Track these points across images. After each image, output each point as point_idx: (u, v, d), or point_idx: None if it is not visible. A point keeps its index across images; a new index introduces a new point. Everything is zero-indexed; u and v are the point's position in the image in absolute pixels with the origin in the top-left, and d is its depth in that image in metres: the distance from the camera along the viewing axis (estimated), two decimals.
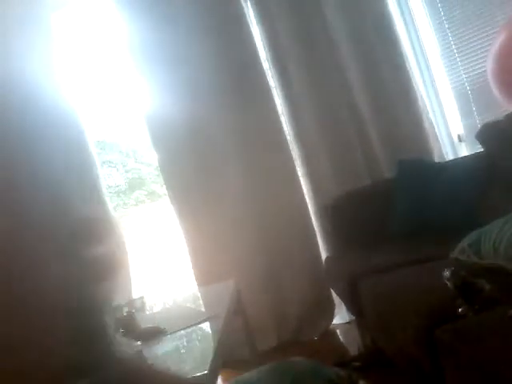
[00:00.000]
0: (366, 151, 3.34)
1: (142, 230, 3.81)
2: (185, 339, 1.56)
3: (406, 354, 1.77)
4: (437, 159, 3.32)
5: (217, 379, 1.32)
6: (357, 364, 2.65)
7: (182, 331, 1.62)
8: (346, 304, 2.86)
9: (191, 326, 1.68)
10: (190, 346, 1.53)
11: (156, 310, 2.23)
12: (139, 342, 1.44)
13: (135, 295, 3.14)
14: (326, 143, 3.32)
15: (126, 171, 4.03)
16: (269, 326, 3.25)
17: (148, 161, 3.79)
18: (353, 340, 3.10)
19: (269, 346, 3.19)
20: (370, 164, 3.34)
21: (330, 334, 3.33)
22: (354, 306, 2.42)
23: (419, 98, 3.38)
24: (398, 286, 1.97)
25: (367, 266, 2.39)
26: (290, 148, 3.36)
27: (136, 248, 3.52)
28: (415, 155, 3.21)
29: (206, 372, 1.23)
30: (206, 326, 1.67)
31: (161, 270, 3.79)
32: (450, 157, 3.48)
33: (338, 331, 3.36)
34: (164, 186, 3.30)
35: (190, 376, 1.23)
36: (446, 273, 1.54)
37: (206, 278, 3.15)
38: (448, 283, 1.51)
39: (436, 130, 3.46)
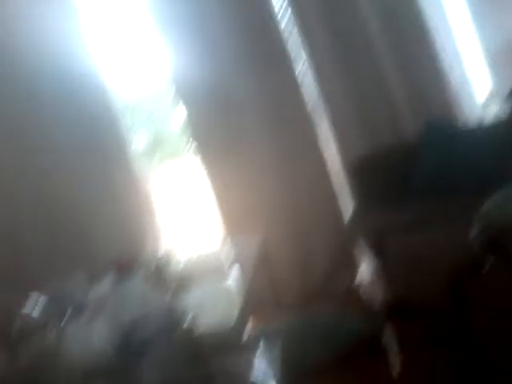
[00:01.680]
0: (391, 112, 3.30)
1: (167, 186, 3.84)
2: (213, 290, 1.60)
3: (432, 307, 1.80)
4: (464, 121, 3.26)
5: (244, 330, 1.36)
6: (381, 315, 2.69)
7: (211, 282, 1.66)
8: (371, 257, 2.88)
9: (219, 278, 1.72)
10: (219, 297, 1.56)
11: (184, 263, 2.28)
12: (168, 295, 1.48)
13: (164, 249, 3.22)
14: (352, 102, 3.29)
15: (149, 131, 4.05)
16: (294, 278, 3.31)
17: (171, 120, 3.79)
18: (376, 292, 3.14)
19: (293, 298, 3.24)
20: (395, 124, 3.31)
21: (354, 287, 3.37)
22: (380, 259, 2.44)
23: (447, 59, 3.31)
24: (425, 241, 1.98)
25: (394, 222, 2.39)
26: (315, 106, 3.35)
27: (164, 204, 3.57)
28: (442, 117, 3.16)
29: (233, 323, 1.26)
30: (234, 278, 1.71)
31: (189, 224, 3.85)
32: (477, 118, 3.41)
33: (362, 284, 3.39)
34: (189, 144, 3.34)
35: (217, 328, 1.26)
36: (473, 231, 1.54)
37: (232, 230, 3.20)
38: (475, 241, 1.52)
39: (464, 92, 3.39)
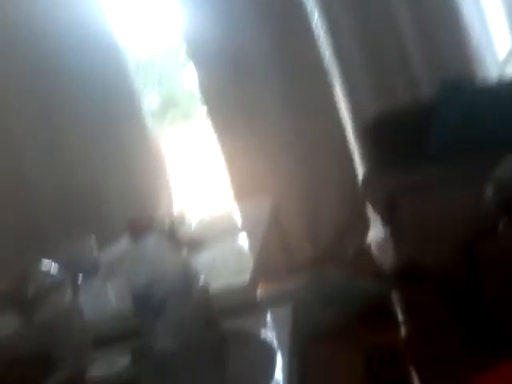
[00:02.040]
0: (406, 70, 3.23)
1: (179, 148, 3.83)
2: (225, 251, 1.61)
3: (444, 270, 1.79)
4: (481, 79, 3.19)
5: (257, 290, 1.36)
6: (391, 278, 2.70)
7: (223, 243, 1.66)
8: (383, 220, 2.88)
9: (231, 238, 1.72)
10: (231, 258, 1.57)
11: (196, 224, 2.28)
12: (182, 256, 1.49)
13: (176, 209, 3.23)
14: (366, 62, 3.23)
15: (161, 91, 4.02)
16: (304, 240, 3.32)
17: (183, 81, 3.75)
18: (387, 256, 3.14)
19: (304, 259, 3.26)
20: (410, 83, 3.24)
21: (364, 250, 3.38)
22: (392, 222, 2.44)
23: (467, 15, 3.21)
24: (439, 203, 1.97)
25: (407, 184, 2.37)
26: (329, 67, 3.30)
27: (176, 165, 3.56)
28: (459, 75, 3.08)
29: (246, 284, 1.27)
30: (246, 238, 1.71)
31: (200, 186, 3.85)
32: (494, 77, 3.33)
33: (372, 247, 3.40)
34: (201, 106, 3.31)
35: (230, 288, 1.27)
36: (488, 192, 1.52)
37: (243, 194, 3.20)
38: (489, 202, 1.50)
39: (484, 48, 3.30)
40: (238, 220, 2.27)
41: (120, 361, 1.01)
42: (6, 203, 3.01)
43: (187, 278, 0.84)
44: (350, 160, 3.36)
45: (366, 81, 3.24)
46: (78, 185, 3.12)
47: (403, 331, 2.25)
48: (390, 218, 2.42)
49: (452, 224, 1.73)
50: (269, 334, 1.06)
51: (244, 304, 1.24)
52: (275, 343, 1.01)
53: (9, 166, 3.05)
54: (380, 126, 3.01)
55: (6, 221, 2.91)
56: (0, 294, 1.43)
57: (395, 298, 2.52)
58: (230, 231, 1.83)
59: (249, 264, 1.44)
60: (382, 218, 2.73)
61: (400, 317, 2.43)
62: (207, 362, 0.85)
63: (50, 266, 1.48)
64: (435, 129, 2.86)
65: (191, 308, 0.84)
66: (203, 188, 3.86)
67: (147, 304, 0.80)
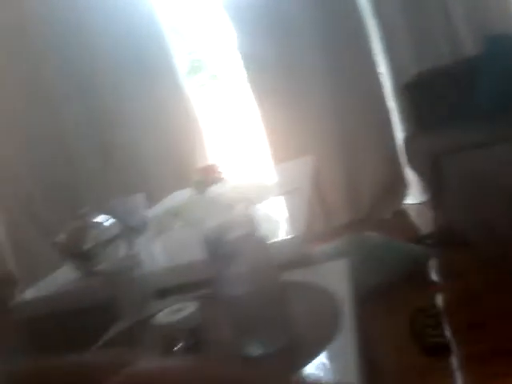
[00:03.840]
0: (448, 27, 3.14)
1: (215, 109, 3.82)
2: (272, 209, 1.61)
3: (490, 231, 1.77)
4: None
5: (309, 245, 1.37)
6: (428, 242, 2.69)
7: (269, 201, 1.66)
8: (425, 181, 2.84)
9: (277, 196, 1.72)
10: (279, 215, 1.58)
11: (238, 182, 2.28)
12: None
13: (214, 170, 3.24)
14: (406, 18, 3.14)
15: (189, 53, 3.99)
16: (342, 202, 3.32)
17: (220, 41, 3.71)
18: (424, 220, 3.13)
19: (341, 222, 3.26)
20: (452, 40, 3.15)
21: (401, 214, 3.36)
22: (435, 183, 2.40)
23: None
24: (486, 162, 1.93)
25: (452, 143, 2.33)
26: (369, 26, 3.23)
27: (212, 126, 3.56)
28: (504, 30, 2.98)
29: (298, 235, 1.28)
30: (293, 197, 1.71)
31: (238, 149, 3.85)
32: None
33: (409, 211, 3.38)
34: (238, 66, 3.28)
35: (283, 239, 1.28)
36: None
37: (282, 156, 3.19)
38: None
39: None
40: (282, 180, 2.26)
41: (185, 308, 1.03)
42: (49, 164, 3.07)
43: (254, 225, 0.85)
44: (389, 122, 3.31)
45: (407, 40, 3.16)
46: (117, 145, 3.16)
47: (443, 295, 2.25)
48: (434, 178, 2.38)
49: (500, 180, 1.70)
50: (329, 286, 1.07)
51: (299, 257, 1.25)
52: (338, 294, 1.02)
53: (50, 130, 3.11)
54: (422, 84, 2.95)
55: (52, 182, 2.97)
56: (59, 247, 1.48)
57: (435, 261, 2.51)
58: (275, 190, 1.84)
59: (300, 219, 1.44)
60: (424, 178, 2.69)
61: (440, 280, 2.42)
62: (275, 307, 0.87)
63: (105, 220, 1.52)
64: (479, 86, 2.80)
65: (260, 254, 0.85)
66: (241, 149, 3.85)
67: (219, 250, 0.82)
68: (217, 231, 0.81)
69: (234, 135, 3.83)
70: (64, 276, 1.53)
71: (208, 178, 0.80)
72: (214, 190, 0.80)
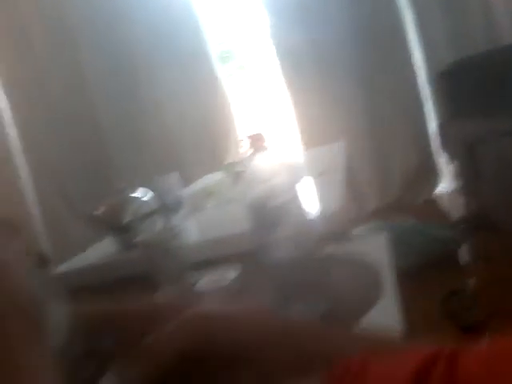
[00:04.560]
0: (485, 15, 3.10)
1: (247, 94, 3.82)
2: (309, 187, 1.62)
3: None
4: None
5: (345, 221, 1.37)
6: (459, 227, 2.67)
7: (305, 181, 1.67)
8: (459, 167, 2.81)
9: (312, 177, 1.73)
10: (318, 191, 1.58)
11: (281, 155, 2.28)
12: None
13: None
14: (443, 6, 3.11)
15: (219, 44, 3.99)
16: (372, 188, 3.30)
17: (252, 26, 3.71)
18: (455, 208, 3.10)
19: (371, 208, 3.25)
20: (489, 28, 3.11)
21: (432, 201, 3.34)
22: (469, 169, 2.38)
23: None
24: None
25: (488, 130, 2.30)
26: (404, 13, 3.20)
27: (244, 111, 3.57)
28: None
29: (336, 210, 1.28)
30: (328, 178, 1.71)
31: (269, 135, 3.84)
32: None
33: (440, 199, 3.35)
34: (271, 53, 3.29)
35: (322, 214, 1.28)
36: None
37: (313, 142, 3.19)
38: None
39: None
40: (313, 164, 2.26)
41: (227, 276, 1.04)
42: (82, 147, 3.11)
43: (297, 192, 0.86)
44: (422, 109, 3.29)
45: (443, 27, 3.13)
46: (151, 132, 3.19)
47: (474, 278, 2.24)
48: (469, 164, 2.36)
49: None
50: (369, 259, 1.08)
51: (337, 233, 1.25)
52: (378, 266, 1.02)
53: (84, 113, 3.15)
54: (458, 73, 2.91)
55: (85, 164, 3.02)
56: (98, 220, 1.51)
57: (466, 246, 2.50)
58: (310, 172, 1.84)
59: (334, 200, 1.44)
60: (458, 164, 2.66)
61: (471, 264, 2.41)
62: (318, 273, 0.88)
63: (143, 195, 1.54)
64: None
65: (304, 220, 0.86)
66: (272, 135, 3.85)
67: (263, 216, 0.83)
68: (261, 198, 0.82)
69: (264, 122, 3.83)
70: (99, 250, 1.56)
71: (253, 146, 0.81)
72: (259, 158, 0.80)
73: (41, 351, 0.33)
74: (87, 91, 3.16)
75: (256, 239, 0.86)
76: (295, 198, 0.85)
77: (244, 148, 0.83)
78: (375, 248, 1.17)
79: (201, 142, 3.23)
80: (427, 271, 2.23)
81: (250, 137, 0.85)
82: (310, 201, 1.41)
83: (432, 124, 3.28)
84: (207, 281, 1.02)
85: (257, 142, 0.85)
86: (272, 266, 0.87)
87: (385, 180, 3.33)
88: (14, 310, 0.33)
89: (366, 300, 0.89)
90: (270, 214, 0.81)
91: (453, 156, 2.80)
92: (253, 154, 0.85)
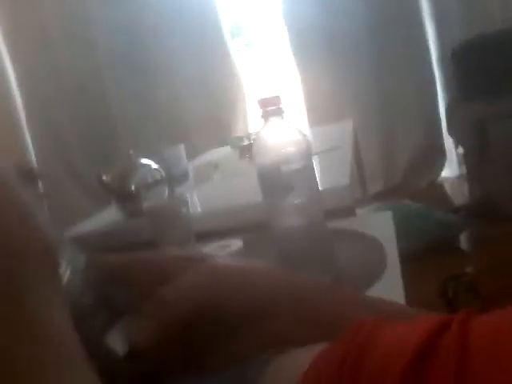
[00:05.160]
0: None
1: (257, 71, 3.79)
2: (317, 161, 1.61)
3: None
4: None
5: (351, 196, 1.37)
6: (462, 212, 2.67)
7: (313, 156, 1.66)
8: (466, 150, 2.79)
9: (320, 152, 1.72)
10: (325, 167, 1.58)
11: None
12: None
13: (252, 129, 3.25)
14: None
15: (241, 12, 3.95)
16: (377, 169, 3.29)
17: (263, 4, 3.67)
18: (460, 194, 3.09)
19: (375, 189, 3.24)
20: (503, 7, 3.06)
21: (437, 185, 3.33)
22: (477, 151, 2.37)
23: None
24: None
25: (498, 111, 2.28)
26: None
27: (253, 88, 3.55)
28: None
29: (344, 185, 1.28)
30: (335, 154, 1.71)
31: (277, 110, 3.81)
32: None
33: (444, 184, 3.35)
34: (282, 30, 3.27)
35: (329, 187, 1.28)
36: None
37: (320, 119, 3.17)
38: None
39: None
40: (321, 140, 2.25)
41: (232, 245, 1.05)
42: (90, 116, 3.11)
43: (310, 159, 0.86)
44: (431, 90, 3.25)
45: (456, 5, 3.08)
46: (159, 99, 3.18)
47: (475, 264, 2.25)
48: (477, 146, 2.34)
49: None
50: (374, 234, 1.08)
51: (344, 207, 1.26)
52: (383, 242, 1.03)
53: (92, 81, 3.14)
54: (470, 52, 2.87)
55: (92, 133, 3.02)
56: (105, 187, 1.51)
57: (467, 231, 2.51)
58: (319, 147, 1.84)
59: (341, 175, 1.44)
60: (466, 146, 2.64)
61: (471, 250, 2.42)
62: (326, 242, 0.89)
63: (150, 164, 1.54)
64: None
65: (316, 187, 0.87)
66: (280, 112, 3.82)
67: (275, 181, 0.83)
68: (275, 162, 0.82)
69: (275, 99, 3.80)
70: (105, 217, 1.57)
71: (269, 109, 0.81)
72: (274, 121, 0.80)
73: (56, 298, 0.33)
74: (96, 60, 3.14)
75: (266, 205, 0.86)
76: (309, 165, 0.85)
77: (259, 111, 0.82)
78: (380, 225, 1.18)
79: (208, 114, 3.22)
80: (428, 254, 2.24)
81: (265, 99, 0.84)
82: (320, 173, 1.41)
83: (442, 106, 3.25)
84: (212, 251, 1.03)
85: (273, 104, 0.84)
86: (280, 235, 0.87)
87: (390, 161, 3.31)
88: (34, 252, 0.33)
89: (370, 273, 0.90)
90: (282, 178, 0.81)
91: (460, 139, 2.78)
92: (267, 118, 0.84)
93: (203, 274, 0.42)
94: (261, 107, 0.84)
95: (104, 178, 1.47)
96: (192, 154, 2.28)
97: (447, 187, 3.31)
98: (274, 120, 0.84)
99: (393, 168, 3.32)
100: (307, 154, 0.84)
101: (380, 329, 0.34)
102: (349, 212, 1.27)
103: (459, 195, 3.07)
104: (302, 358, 0.34)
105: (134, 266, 0.44)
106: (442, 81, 3.22)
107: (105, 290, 0.43)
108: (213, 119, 3.21)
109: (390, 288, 0.85)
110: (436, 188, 3.29)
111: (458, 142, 2.93)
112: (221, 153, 2.36)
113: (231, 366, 0.40)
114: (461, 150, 2.95)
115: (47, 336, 0.30)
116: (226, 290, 0.41)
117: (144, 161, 1.56)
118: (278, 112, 0.84)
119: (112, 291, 0.43)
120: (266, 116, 0.84)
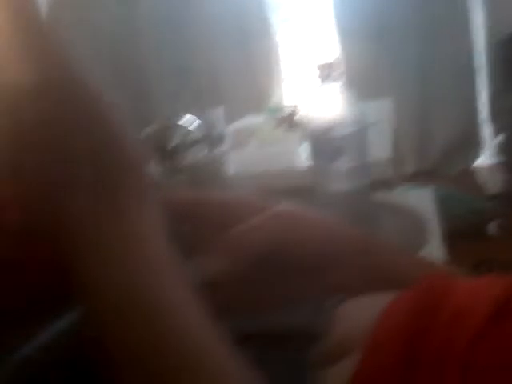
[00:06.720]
0: None
1: (296, 44, 3.74)
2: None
3: None
4: None
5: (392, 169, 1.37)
6: (495, 201, 2.65)
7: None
8: (505, 141, 2.75)
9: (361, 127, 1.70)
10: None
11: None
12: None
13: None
14: None
15: None
16: (412, 151, 3.25)
17: None
18: (492, 184, 3.04)
19: (409, 170, 3.20)
20: None
21: (470, 172, 3.28)
22: None
23: None
24: None
25: None
26: None
27: (292, 60, 3.51)
28: None
29: (386, 157, 1.28)
30: (377, 127, 1.69)
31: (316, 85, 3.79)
32: None
33: (479, 171, 3.29)
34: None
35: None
36: None
37: (360, 96, 3.12)
38: None
39: None
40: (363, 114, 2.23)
41: None
42: (123, 85, 3.11)
43: (363, 126, 0.85)
44: (474, 77, 3.19)
45: None
46: (196, 66, 3.17)
47: (505, 252, 2.23)
48: None
49: None
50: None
51: (386, 179, 1.25)
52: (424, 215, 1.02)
53: (129, 44, 3.14)
54: None
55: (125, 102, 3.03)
56: (143, 143, 1.51)
57: (498, 219, 2.49)
58: (360, 121, 1.82)
59: (383, 147, 1.43)
60: (505, 137, 2.60)
61: (502, 238, 2.40)
62: (372, 206, 0.88)
63: (189, 124, 1.54)
64: None
65: (366, 152, 0.86)
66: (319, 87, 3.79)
67: (325, 145, 0.82)
68: (325, 126, 0.82)
69: (312, 74, 3.76)
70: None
71: (327, 72, 0.80)
72: (330, 86, 0.79)
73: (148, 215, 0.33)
74: (137, 21, 3.13)
75: (315, 168, 0.86)
76: (361, 132, 0.85)
77: (314, 77, 0.80)
78: (421, 201, 1.17)
79: (244, 81, 3.21)
80: (458, 239, 2.22)
81: (325, 64, 0.83)
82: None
83: (483, 93, 3.18)
84: None
85: (328, 70, 0.83)
86: (327, 199, 0.87)
87: (426, 144, 3.27)
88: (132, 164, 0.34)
89: (411, 247, 0.89)
90: (334, 141, 0.81)
91: (501, 128, 2.73)
92: (322, 84, 0.84)
93: (277, 215, 0.42)
94: (320, 70, 0.83)
95: (141, 135, 1.47)
96: (228, 119, 2.27)
97: (481, 174, 3.25)
98: (330, 85, 0.84)
99: (428, 151, 3.27)
100: (360, 120, 0.84)
101: (453, 284, 0.33)
102: (390, 186, 1.26)
103: (492, 184, 3.03)
104: (377, 299, 0.33)
105: (202, 204, 0.44)
106: (488, 68, 3.14)
107: (172, 227, 0.43)
108: (249, 85, 3.20)
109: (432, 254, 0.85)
110: (470, 175, 3.24)
111: (498, 131, 2.88)
112: (257, 120, 2.35)
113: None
114: (500, 138, 2.90)
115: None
116: (298, 233, 0.41)
117: (183, 121, 1.56)
118: (337, 77, 0.83)
119: (178, 228, 0.43)
120: (324, 79, 0.83)
